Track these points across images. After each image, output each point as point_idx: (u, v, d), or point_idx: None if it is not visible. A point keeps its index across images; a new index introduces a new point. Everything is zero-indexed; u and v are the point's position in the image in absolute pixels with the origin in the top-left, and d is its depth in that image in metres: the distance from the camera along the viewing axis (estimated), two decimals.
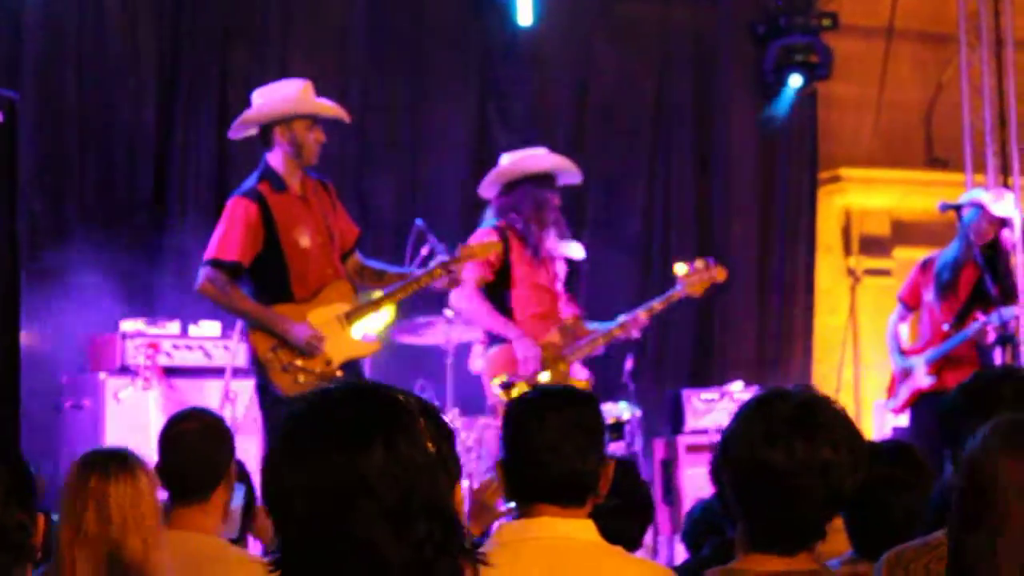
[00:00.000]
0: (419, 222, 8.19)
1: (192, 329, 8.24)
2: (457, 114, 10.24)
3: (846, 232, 11.73)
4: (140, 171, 9.30)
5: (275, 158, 6.92)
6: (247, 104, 9.68)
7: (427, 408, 2.15)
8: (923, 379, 8.35)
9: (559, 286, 7.98)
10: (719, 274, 7.95)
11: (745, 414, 2.81)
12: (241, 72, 9.59)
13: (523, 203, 7.80)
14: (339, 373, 6.88)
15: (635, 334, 7.85)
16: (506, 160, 8.03)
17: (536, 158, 8.03)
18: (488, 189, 8.00)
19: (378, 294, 7.16)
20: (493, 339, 7.78)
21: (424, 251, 8.12)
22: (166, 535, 3.70)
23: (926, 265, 8.63)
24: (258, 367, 6.82)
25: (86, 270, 8.55)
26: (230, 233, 6.77)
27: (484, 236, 7.70)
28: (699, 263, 7.96)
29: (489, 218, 7.91)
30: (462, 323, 7.94)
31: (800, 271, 11.30)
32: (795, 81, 11.05)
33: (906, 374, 8.50)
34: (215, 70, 9.55)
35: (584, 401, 3.29)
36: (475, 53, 10.41)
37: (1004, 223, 8.39)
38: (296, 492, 2.07)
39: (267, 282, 6.85)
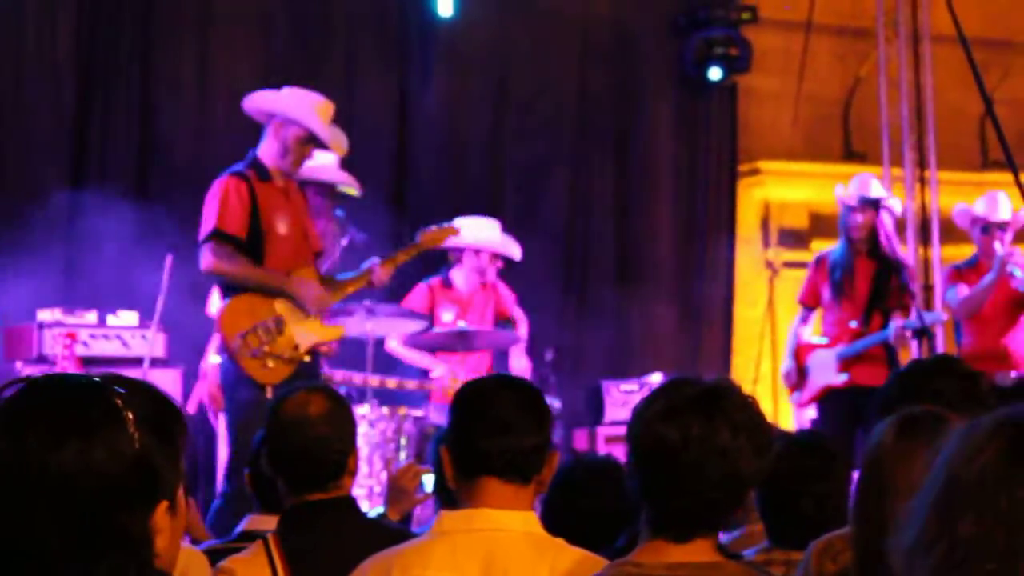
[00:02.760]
0: (339, 213, 8.17)
1: (110, 319, 8.18)
2: (376, 104, 10.20)
3: (765, 225, 11.81)
4: (57, 156, 9.20)
5: (264, 150, 7.04)
6: (168, 89, 9.64)
7: (154, 404, 1.97)
8: (833, 376, 8.37)
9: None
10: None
11: (651, 395, 2.81)
12: (160, 58, 9.53)
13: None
14: (307, 359, 6.93)
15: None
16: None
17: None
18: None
19: (340, 281, 7.22)
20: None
21: (344, 241, 8.11)
22: None
23: (819, 262, 8.65)
24: (227, 354, 6.88)
25: (1, 258, 8.45)
26: (229, 208, 6.84)
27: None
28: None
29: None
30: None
31: (719, 263, 11.35)
32: (715, 74, 11.11)
33: (801, 375, 8.54)
34: (135, 55, 9.47)
35: (534, 388, 3.41)
36: (394, 43, 10.37)
37: (877, 206, 8.39)
38: None
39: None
